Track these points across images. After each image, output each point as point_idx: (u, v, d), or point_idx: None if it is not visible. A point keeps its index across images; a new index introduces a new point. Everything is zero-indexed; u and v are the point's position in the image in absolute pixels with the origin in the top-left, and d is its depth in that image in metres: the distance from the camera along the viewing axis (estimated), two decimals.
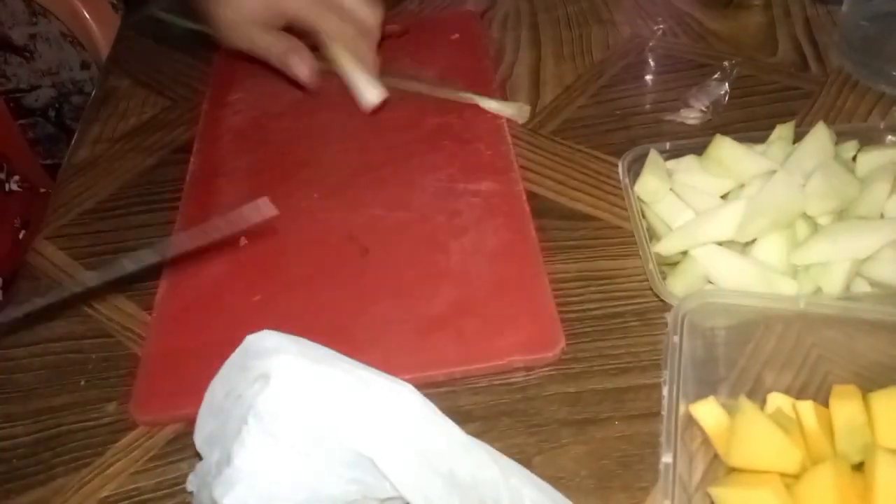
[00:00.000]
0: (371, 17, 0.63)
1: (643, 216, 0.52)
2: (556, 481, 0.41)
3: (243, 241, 0.58)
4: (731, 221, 0.48)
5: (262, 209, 0.47)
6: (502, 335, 0.49)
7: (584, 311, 0.51)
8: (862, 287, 0.47)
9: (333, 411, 0.34)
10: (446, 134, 0.64)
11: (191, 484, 0.39)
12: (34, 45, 1.28)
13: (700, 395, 0.42)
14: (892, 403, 0.39)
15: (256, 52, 0.64)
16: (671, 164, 0.54)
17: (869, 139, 0.54)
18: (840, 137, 0.53)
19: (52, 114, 1.16)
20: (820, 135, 0.52)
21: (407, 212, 0.58)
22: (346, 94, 0.64)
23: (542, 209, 0.58)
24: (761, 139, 0.54)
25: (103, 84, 0.79)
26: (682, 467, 0.39)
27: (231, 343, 0.37)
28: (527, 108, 0.65)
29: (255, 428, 0.33)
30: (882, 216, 0.49)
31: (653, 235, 0.52)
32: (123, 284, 0.58)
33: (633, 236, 0.51)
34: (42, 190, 1.00)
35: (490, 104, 0.65)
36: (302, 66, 0.62)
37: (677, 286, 0.48)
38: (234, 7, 0.62)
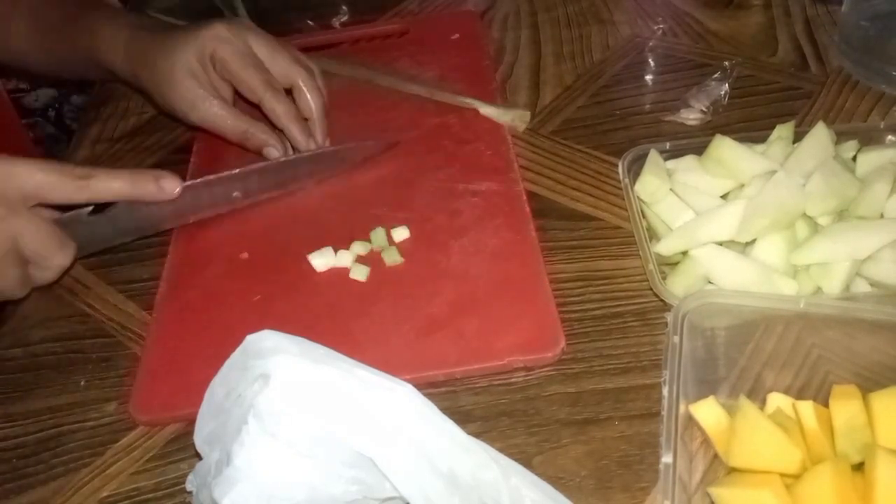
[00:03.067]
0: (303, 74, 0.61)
1: (643, 216, 0.52)
2: (557, 481, 0.41)
3: (245, 254, 0.58)
4: (731, 221, 0.48)
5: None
6: (502, 335, 0.49)
7: (584, 311, 0.51)
8: (862, 287, 0.47)
9: (333, 411, 0.34)
10: (446, 134, 0.64)
11: (190, 484, 0.39)
12: None
13: (700, 395, 0.42)
14: (892, 403, 0.39)
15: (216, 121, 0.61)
16: (671, 164, 0.54)
17: (869, 139, 0.54)
18: (840, 137, 0.53)
19: (51, 114, 1.15)
20: (820, 135, 0.52)
21: (407, 212, 0.58)
22: (346, 95, 0.64)
23: (542, 209, 0.58)
24: (761, 139, 0.54)
25: (103, 84, 0.79)
26: (682, 467, 0.39)
27: (231, 343, 0.37)
28: (527, 115, 0.65)
29: (255, 428, 0.34)
30: (882, 216, 0.49)
31: (653, 235, 0.52)
32: (122, 283, 0.58)
33: (633, 236, 0.51)
34: None
35: (489, 111, 0.65)
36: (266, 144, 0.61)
37: (677, 286, 0.48)
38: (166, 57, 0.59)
